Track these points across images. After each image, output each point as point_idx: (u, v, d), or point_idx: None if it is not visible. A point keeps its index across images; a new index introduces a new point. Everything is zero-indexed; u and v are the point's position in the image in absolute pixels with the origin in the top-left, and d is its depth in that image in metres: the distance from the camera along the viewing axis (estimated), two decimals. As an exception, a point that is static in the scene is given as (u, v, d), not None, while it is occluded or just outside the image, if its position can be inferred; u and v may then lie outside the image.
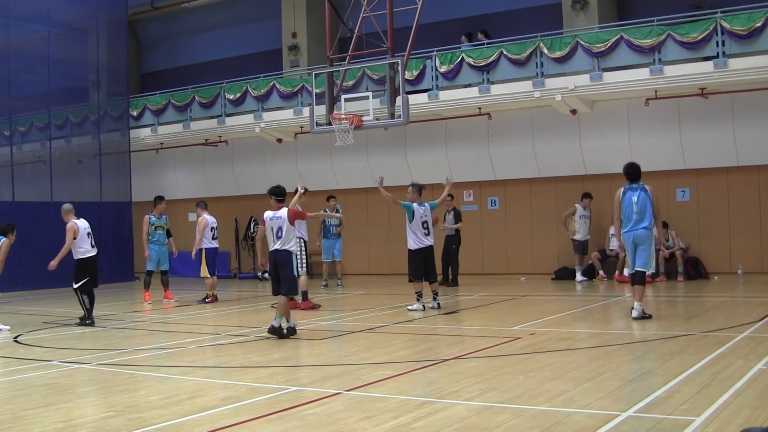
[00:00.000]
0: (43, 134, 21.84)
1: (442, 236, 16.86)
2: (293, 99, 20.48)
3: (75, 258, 12.35)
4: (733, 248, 17.04)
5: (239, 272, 22.70)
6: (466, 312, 12.55)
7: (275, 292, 10.32)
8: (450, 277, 17.06)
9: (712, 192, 17.29)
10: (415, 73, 18.44)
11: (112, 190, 22.25)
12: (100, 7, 22.77)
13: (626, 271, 16.46)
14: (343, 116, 16.19)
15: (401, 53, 15.87)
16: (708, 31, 15.60)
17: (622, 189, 11.24)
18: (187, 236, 24.55)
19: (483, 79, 17.87)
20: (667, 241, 16.68)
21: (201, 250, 15.46)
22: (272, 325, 10.15)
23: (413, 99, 17.20)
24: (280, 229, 10.19)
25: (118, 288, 19.48)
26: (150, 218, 15.73)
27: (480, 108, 18.37)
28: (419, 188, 13.03)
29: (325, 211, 16.81)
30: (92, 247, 12.47)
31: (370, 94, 16.66)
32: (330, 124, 16.47)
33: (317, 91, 17.36)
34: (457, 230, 17.05)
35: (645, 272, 10.73)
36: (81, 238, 12.34)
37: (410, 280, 12.67)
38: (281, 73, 22.02)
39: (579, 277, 17.31)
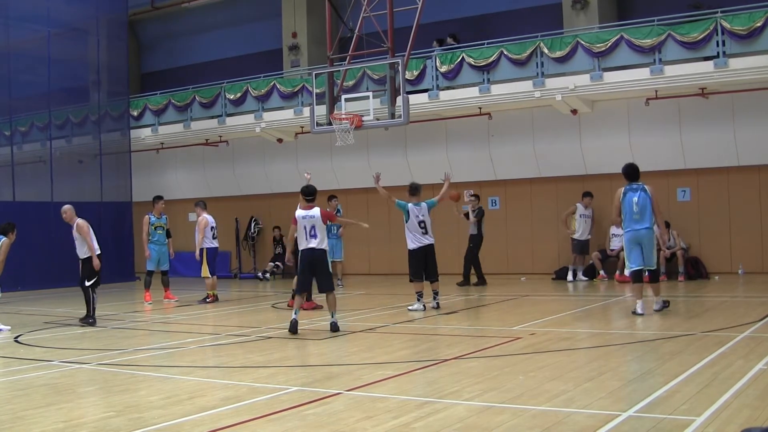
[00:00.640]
0: (44, 134, 21.85)
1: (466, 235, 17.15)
2: (293, 99, 20.48)
3: (83, 257, 12.32)
4: (733, 248, 17.04)
5: (240, 272, 22.70)
6: (466, 312, 12.54)
7: (303, 290, 10.71)
8: (476, 277, 17.13)
9: (713, 192, 17.28)
10: (416, 73, 18.45)
11: (112, 190, 22.26)
12: (100, 7, 22.78)
13: (627, 272, 16.53)
14: (343, 116, 16.19)
15: (401, 53, 15.87)
16: (708, 31, 15.60)
17: (622, 189, 11.37)
18: (188, 236, 24.54)
19: (483, 79, 17.87)
20: (668, 240, 16.67)
21: (202, 249, 15.46)
22: (333, 323, 10.44)
23: (413, 99, 17.20)
24: (313, 228, 10.42)
25: (119, 288, 19.48)
26: (150, 218, 15.73)
27: (480, 108, 18.37)
28: (414, 188, 12.97)
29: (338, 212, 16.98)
30: (97, 246, 12.51)
31: (370, 94, 16.67)
32: (330, 124, 16.47)
33: (317, 91, 17.36)
34: (480, 230, 16.99)
35: (658, 270, 11.37)
36: (92, 237, 12.40)
37: (411, 280, 12.68)
38: (281, 73, 22.02)
39: (570, 276, 17.31)
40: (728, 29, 15.36)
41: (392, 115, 15.98)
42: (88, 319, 12.17)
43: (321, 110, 16.95)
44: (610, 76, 16.64)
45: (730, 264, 16.97)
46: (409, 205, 12.69)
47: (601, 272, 17.31)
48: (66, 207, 12.68)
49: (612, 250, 17.27)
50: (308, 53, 22.91)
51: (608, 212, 17.74)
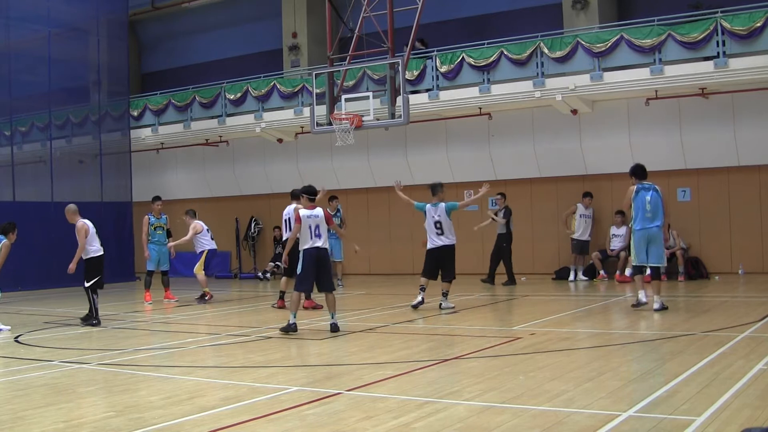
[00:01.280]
0: (44, 134, 21.85)
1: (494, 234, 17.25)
2: (294, 99, 20.48)
3: (85, 257, 12.28)
4: (733, 248, 17.04)
5: (240, 272, 22.70)
6: (466, 312, 12.54)
7: (305, 288, 10.53)
8: (508, 275, 17.10)
9: (713, 192, 17.28)
10: (416, 73, 18.46)
11: (112, 190, 22.27)
12: (100, 7, 22.78)
13: (627, 271, 16.53)
14: (343, 116, 16.19)
15: (401, 53, 15.87)
16: (708, 31, 15.60)
17: (634, 187, 11.60)
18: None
19: (483, 79, 17.88)
20: (668, 240, 16.67)
21: (203, 251, 15.56)
22: (333, 323, 10.40)
23: (414, 99, 17.22)
24: (317, 227, 10.39)
25: (119, 288, 19.47)
26: (149, 218, 15.71)
27: (480, 108, 18.38)
28: (431, 188, 13.00)
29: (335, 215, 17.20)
30: (101, 245, 12.50)
31: (370, 94, 16.67)
32: (330, 124, 16.48)
33: (318, 91, 17.36)
34: (509, 229, 17.01)
35: (660, 268, 11.56)
36: (91, 237, 12.31)
37: (421, 276, 12.87)
38: (282, 73, 22.02)
39: (572, 276, 17.34)
40: (728, 29, 15.37)
41: (392, 115, 15.99)
42: (91, 320, 12.14)
43: (321, 110, 16.96)
44: (610, 76, 16.65)
45: (730, 264, 16.97)
46: (427, 205, 12.74)
47: (602, 272, 17.31)
48: (68, 207, 12.63)
49: (612, 250, 17.27)
50: (308, 53, 22.92)
51: (608, 212, 17.80)
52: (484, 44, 18.12)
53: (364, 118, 16.11)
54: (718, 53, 15.55)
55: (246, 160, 22.75)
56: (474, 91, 17.98)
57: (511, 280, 16.95)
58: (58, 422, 6.02)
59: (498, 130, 18.91)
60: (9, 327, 11.89)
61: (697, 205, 17.41)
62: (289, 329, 10.29)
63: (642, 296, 11.67)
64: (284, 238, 13.66)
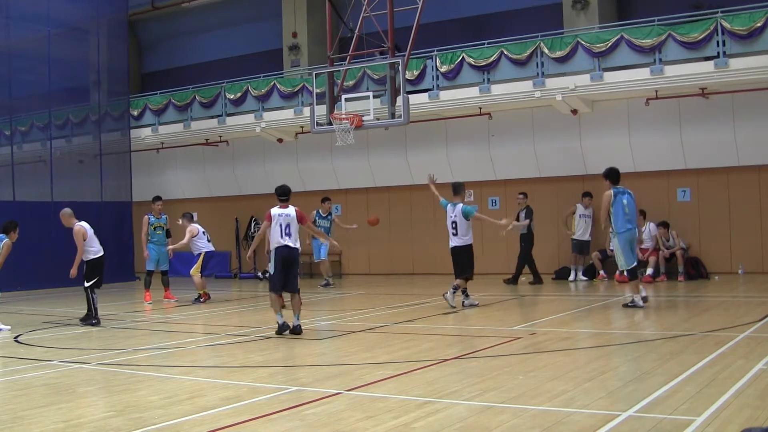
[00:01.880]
0: (44, 134, 21.84)
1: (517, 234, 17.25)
2: (294, 99, 20.48)
3: (86, 259, 12.29)
4: (733, 248, 17.04)
5: (239, 272, 22.70)
6: (466, 312, 12.54)
7: (281, 288, 10.34)
8: (532, 275, 17.17)
9: (713, 192, 17.28)
10: (416, 73, 18.45)
11: (112, 190, 22.27)
12: (100, 7, 22.77)
13: (621, 271, 16.53)
14: (343, 116, 16.20)
15: (402, 53, 15.87)
16: (708, 31, 15.60)
17: (611, 192, 11.81)
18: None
19: (483, 79, 17.88)
20: (668, 240, 16.68)
21: (200, 253, 15.58)
22: (297, 325, 10.25)
23: (414, 99, 17.21)
24: (288, 226, 10.34)
25: (119, 288, 19.47)
26: (149, 218, 15.71)
27: (480, 108, 18.37)
28: (454, 188, 13.10)
29: (317, 214, 17.68)
30: (101, 246, 12.52)
31: (370, 94, 16.68)
32: (330, 123, 16.49)
33: (318, 90, 17.36)
34: (530, 229, 17.03)
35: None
36: (90, 239, 12.32)
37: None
38: (282, 73, 22.02)
39: (572, 276, 17.34)
40: (728, 29, 15.37)
41: (392, 115, 16.00)
42: (90, 320, 12.13)
43: (321, 110, 16.96)
44: (610, 76, 16.64)
45: (730, 264, 16.97)
46: (448, 205, 12.87)
47: (601, 272, 17.30)
48: (63, 211, 12.58)
49: (612, 251, 17.24)
50: (308, 53, 22.91)
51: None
52: (484, 44, 18.12)
53: (364, 118, 16.12)
54: (718, 53, 15.54)
55: (246, 160, 22.75)
56: (474, 91, 17.97)
57: (538, 279, 17.02)
58: (58, 422, 6.02)
59: (498, 130, 18.91)
60: (9, 327, 11.89)
61: (697, 205, 17.41)
62: (282, 330, 10.21)
63: (639, 301, 11.79)
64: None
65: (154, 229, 15.62)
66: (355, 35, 16.97)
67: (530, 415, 5.75)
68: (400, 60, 15.63)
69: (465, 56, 18.03)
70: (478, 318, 11.93)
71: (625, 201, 11.79)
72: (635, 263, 11.91)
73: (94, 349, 9.96)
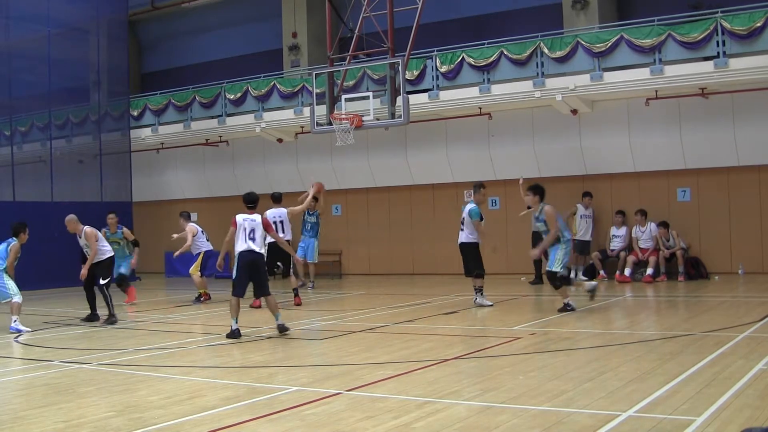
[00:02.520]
0: (44, 134, 21.83)
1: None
2: (294, 99, 20.47)
3: (99, 259, 12.51)
4: (733, 248, 17.03)
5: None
6: (466, 312, 12.54)
7: (240, 293, 10.29)
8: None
9: (713, 192, 17.28)
10: (416, 73, 18.44)
11: (112, 190, 22.23)
12: (100, 7, 22.75)
13: (627, 271, 16.55)
14: (343, 116, 16.20)
15: (401, 53, 15.87)
16: (708, 31, 15.60)
17: (551, 207, 11.99)
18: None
19: (483, 79, 17.87)
20: (668, 240, 16.68)
21: (199, 253, 15.56)
22: (279, 324, 10.23)
23: (413, 99, 17.20)
24: (253, 231, 10.35)
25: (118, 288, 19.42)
26: (105, 233, 14.29)
27: (480, 108, 18.37)
28: (474, 187, 13.40)
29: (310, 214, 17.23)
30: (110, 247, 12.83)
31: (370, 94, 16.67)
32: (330, 124, 16.48)
33: (318, 91, 17.36)
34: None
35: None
36: (101, 239, 12.68)
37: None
38: (282, 73, 22.02)
39: (573, 276, 17.31)
40: (728, 29, 15.36)
41: (392, 115, 15.99)
42: (112, 319, 12.30)
43: (321, 110, 16.95)
44: (610, 76, 16.63)
45: (730, 264, 16.96)
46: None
47: (602, 272, 17.30)
48: (69, 217, 12.70)
49: (612, 251, 17.27)
50: (308, 53, 22.91)
51: (608, 212, 17.80)
52: (484, 44, 18.12)
53: (364, 118, 16.11)
54: (718, 53, 15.54)
55: (246, 160, 22.75)
56: (474, 91, 17.97)
57: (538, 280, 17.07)
58: (58, 422, 6.02)
59: (498, 130, 18.90)
60: (29, 329, 11.68)
61: (697, 205, 17.40)
62: (233, 335, 10.11)
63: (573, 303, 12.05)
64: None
65: (110, 244, 13.97)
66: (355, 35, 16.97)
67: (530, 415, 5.75)
68: (400, 60, 15.63)
69: (465, 56, 18.03)
70: (478, 318, 11.93)
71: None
72: (563, 271, 12.18)
73: (94, 349, 9.96)
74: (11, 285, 12.03)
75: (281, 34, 23.58)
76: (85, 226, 12.60)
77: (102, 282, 12.44)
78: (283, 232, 13.81)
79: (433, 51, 18.53)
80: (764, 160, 16.62)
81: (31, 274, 18.75)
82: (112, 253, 12.82)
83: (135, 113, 23.33)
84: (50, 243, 18.72)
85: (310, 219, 17.60)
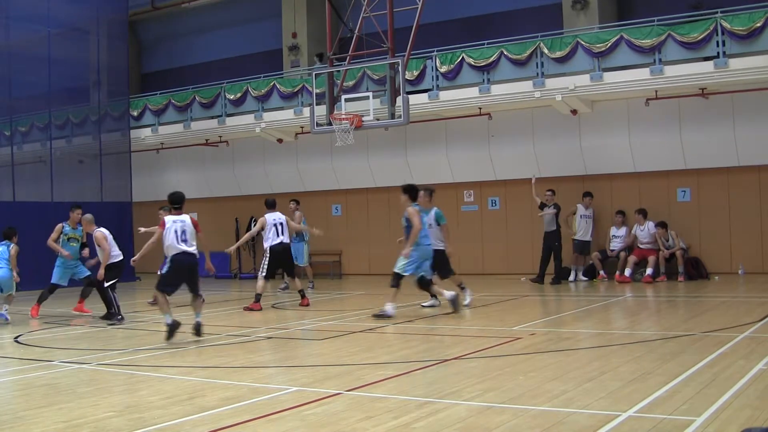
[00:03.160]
0: (44, 134, 21.84)
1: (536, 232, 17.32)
2: (294, 99, 20.48)
3: (108, 262, 12.79)
4: (733, 248, 17.04)
5: (240, 272, 22.70)
6: (467, 312, 12.54)
7: (169, 291, 10.24)
8: (537, 274, 17.20)
9: (713, 192, 17.28)
10: (416, 73, 18.45)
11: (112, 190, 22.24)
12: (100, 7, 22.77)
13: (627, 272, 16.55)
14: (343, 116, 16.21)
15: (401, 53, 15.87)
16: (708, 31, 15.61)
17: (416, 208, 12.06)
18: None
19: (483, 79, 17.88)
20: (667, 241, 16.69)
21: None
22: (197, 322, 10.15)
23: (413, 99, 17.21)
24: (184, 232, 10.22)
25: (118, 288, 19.40)
26: (63, 226, 13.65)
27: (480, 108, 18.37)
28: (428, 192, 13.08)
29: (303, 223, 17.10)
30: (119, 251, 13.01)
31: (370, 94, 16.69)
32: (330, 124, 16.49)
33: (317, 91, 17.37)
34: (558, 227, 17.02)
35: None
36: (110, 244, 12.83)
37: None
38: (281, 73, 22.03)
39: (572, 276, 17.34)
40: (728, 29, 15.37)
41: (392, 115, 16.01)
42: (115, 317, 12.44)
43: (321, 110, 16.97)
44: (610, 76, 16.64)
45: (730, 264, 16.97)
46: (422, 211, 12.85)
47: (602, 272, 17.30)
48: (86, 216, 13.05)
49: (612, 251, 17.27)
50: (308, 53, 22.92)
51: (608, 213, 17.80)
52: (484, 44, 18.12)
53: (364, 118, 16.13)
54: (718, 53, 15.55)
55: (246, 160, 22.75)
56: (474, 92, 17.97)
57: (539, 279, 17.05)
58: (58, 422, 6.02)
59: (498, 130, 18.91)
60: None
61: (697, 205, 17.41)
62: (173, 328, 9.96)
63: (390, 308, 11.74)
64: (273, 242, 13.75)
65: (68, 240, 13.56)
66: (355, 35, 16.98)
67: (530, 415, 5.75)
68: (399, 60, 15.64)
69: (465, 56, 18.03)
70: (478, 318, 11.93)
71: (426, 218, 12.33)
72: (408, 274, 12.00)
73: (94, 349, 9.96)
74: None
75: (281, 34, 23.60)
76: (97, 230, 12.78)
77: (107, 284, 12.60)
78: (284, 234, 13.93)
79: (433, 51, 18.54)
80: (764, 160, 16.63)
81: (31, 274, 18.77)
82: (122, 257, 12.93)
83: (135, 113, 23.35)
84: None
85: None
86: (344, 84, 17.67)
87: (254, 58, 24.63)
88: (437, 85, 18.41)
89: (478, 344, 9.21)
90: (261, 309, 13.51)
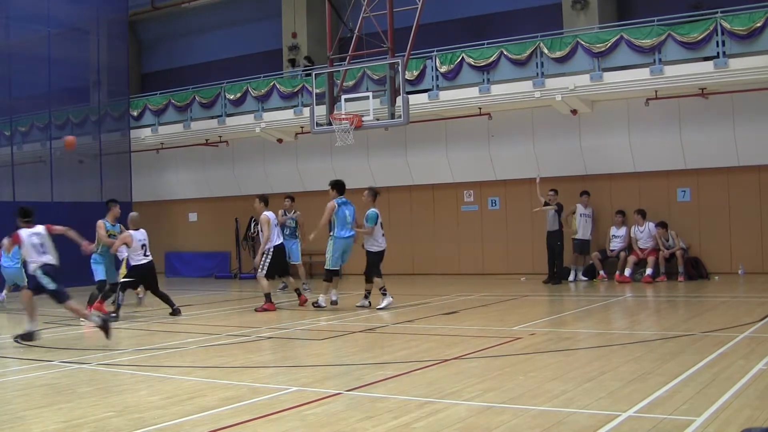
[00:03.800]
0: (44, 134, 21.84)
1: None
2: (293, 99, 20.48)
3: (132, 264, 13.21)
4: (733, 248, 17.04)
5: (240, 272, 22.70)
6: (466, 312, 12.55)
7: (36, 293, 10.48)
8: (548, 274, 17.24)
9: (713, 192, 17.29)
10: (416, 73, 18.46)
11: (112, 190, 22.22)
12: (100, 7, 22.78)
13: (627, 271, 16.55)
14: (343, 116, 16.20)
15: (401, 53, 15.88)
16: (708, 31, 15.61)
17: (335, 202, 13.10)
18: (187, 236, 24.57)
19: (483, 79, 17.88)
20: (667, 240, 16.69)
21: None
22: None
23: (413, 99, 17.20)
24: (43, 245, 10.38)
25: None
26: (105, 224, 13.69)
27: (480, 108, 18.37)
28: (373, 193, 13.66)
29: (284, 213, 17.06)
30: (145, 255, 13.14)
31: (370, 94, 16.68)
32: (330, 124, 16.48)
33: (317, 91, 17.37)
34: (560, 226, 17.05)
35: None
36: (134, 248, 13.06)
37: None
38: (281, 73, 22.03)
39: (572, 276, 17.34)
40: (728, 29, 15.37)
41: (392, 115, 16.00)
42: (112, 314, 12.46)
43: (321, 110, 16.96)
44: (610, 76, 16.65)
45: (730, 264, 16.97)
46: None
47: (601, 272, 17.30)
48: (132, 216, 13.47)
49: (612, 251, 17.27)
50: (308, 53, 22.91)
51: (608, 213, 17.80)
52: (484, 44, 18.13)
53: (363, 118, 16.12)
54: (718, 53, 15.55)
55: (246, 160, 22.75)
56: (474, 91, 17.98)
57: (557, 278, 16.96)
58: (58, 422, 6.02)
59: (498, 131, 18.91)
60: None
61: (697, 205, 17.41)
62: (29, 337, 10.10)
63: (326, 298, 13.04)
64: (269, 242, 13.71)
65: (109, 236, 13.52)
66: (355, 35, 16.97)
67: (530, 415, 5.76)
68: (399, 60, 15.63)
69: (465, 56, 18.04)
70: (478, 318, 11.93)
71: (347, 212, 13.08)
72: (336, 268, 13.17)
73: (94, 349, 9.96)
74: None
75: (281, 34, 23.60)
76: (131, 231, 13.08)
77: (122, 280, 13.00)
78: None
79: (433, 51, 18.54)
80: (764, 160, 16.64)
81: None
82: (148, 259, 13.12)
83: (135, 113, 23.36)
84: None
85: (290, 223, 17.36)
86: (344, 84, 17.68)
87: (254, 58, 24.65)
88: (437, 85, 18.42)
89: (478, 344, 9.21)
90: (275, 308, 13.45)
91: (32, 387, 7.60)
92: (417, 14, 16.05)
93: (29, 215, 10.63)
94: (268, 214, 13.79)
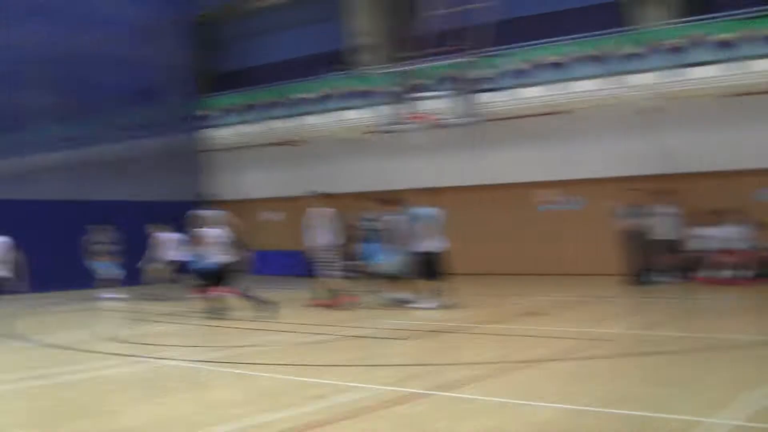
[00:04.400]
0: (120, 134, 21.96)
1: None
2: (367, 98, 20.50)
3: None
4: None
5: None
6: (550, 313, 12.36)
7: None
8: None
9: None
10: (489, 71, 18.26)
11: (184, 189, 22.31)
12: (172, 8, 23.07)
13: (713, 272, 16.00)
14: (416, 115, 16.17)
15: (476, 51, 15.74)
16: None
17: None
18: (267, 235, 24.57)
19: (559, 77, 17.60)
20: (757, 241, 16.05)
21: None
22: None
23: (488, 97, 17.07)
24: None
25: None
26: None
27: (558, 106, 18.09)
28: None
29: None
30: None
31: (443, 93, 16.60)
32: (403, 123, 16.47)
33: (391, 90, 17.35)
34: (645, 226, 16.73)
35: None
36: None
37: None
38: (355, 73, 22.10)
39: (657, 277, 16.87)
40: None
41: (466, 114, 15.91)
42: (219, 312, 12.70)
43: (394, 110, 16.95)
44: (689, 72, 16.21)
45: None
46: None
47: (688, 273, 16.70)
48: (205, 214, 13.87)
49: (698, 251, 16.67)
50: (381, 53, 22.93)
51: (694, 212, 17.24)
52: (560, 41, 17.85)
53: (437, 117, 16.07)
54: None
55: (322, 160, 22.90)
56: (549, 89, 17.73)
57: (643, 279, 16.41)
58: (146, 416, 6.24)
59: (576, 128, 18.59)
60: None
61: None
62: None
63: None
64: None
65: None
66: (429, 34, 16.91)
67: (615, 419, 5.68)
68: (473, 58, 15.50)
69: (541, 53, 17.80)
70: (562, 319, 11.74)
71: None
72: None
73: (185, 346, 10.23)
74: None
75: (354, 33, 23.68)
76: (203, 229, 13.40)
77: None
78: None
79: (509, 48, 18.25)
80: None
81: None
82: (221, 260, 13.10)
83: (209, 113, 23.69)
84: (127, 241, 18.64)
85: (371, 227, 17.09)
86: (417, 83, 17.62)
87: (326, 57, 24.76)
88: (511, 84, 18.18)
89: (564, 346, 9.12)
90: (359, 299, 13.55)
91: (125, 382, 7.86)
92: (490, 12, 15.89)
93: None
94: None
